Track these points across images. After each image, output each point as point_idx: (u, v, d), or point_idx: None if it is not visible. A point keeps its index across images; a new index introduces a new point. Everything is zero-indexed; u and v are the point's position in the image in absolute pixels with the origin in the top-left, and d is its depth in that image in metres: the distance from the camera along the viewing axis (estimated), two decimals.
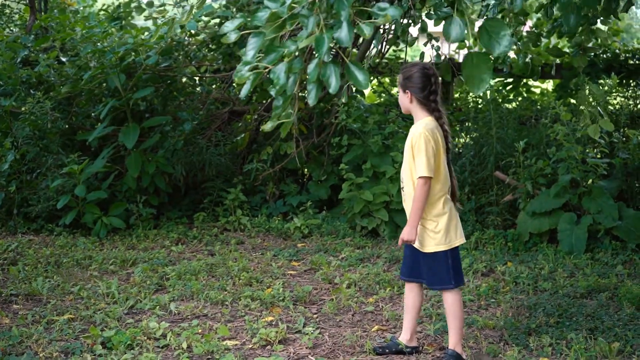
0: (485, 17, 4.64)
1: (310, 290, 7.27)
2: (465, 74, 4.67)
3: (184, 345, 5.80)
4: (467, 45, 6.91)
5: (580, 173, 8.91)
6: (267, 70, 5.05)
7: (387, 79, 13.01)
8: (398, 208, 9.29)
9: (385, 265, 8.23)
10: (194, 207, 10.64)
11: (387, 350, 5.73)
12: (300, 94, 6.30)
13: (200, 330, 6.17)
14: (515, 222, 9.19)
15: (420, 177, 5.38)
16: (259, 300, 6.94)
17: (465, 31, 4.64)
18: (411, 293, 5.76)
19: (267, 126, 5.46)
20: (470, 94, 12.57)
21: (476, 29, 5.29)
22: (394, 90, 12.48)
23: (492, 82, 12.56)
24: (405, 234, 5.44)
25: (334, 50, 5.96)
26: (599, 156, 9.44)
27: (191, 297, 7.16)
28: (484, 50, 5.35)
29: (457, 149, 10.51)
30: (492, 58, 5.38)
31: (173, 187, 10.55)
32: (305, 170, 11.19)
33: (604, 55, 12.34)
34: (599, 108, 9.37)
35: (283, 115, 5.30)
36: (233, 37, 5.33)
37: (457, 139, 11.23)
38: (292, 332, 6.21)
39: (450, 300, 5.57)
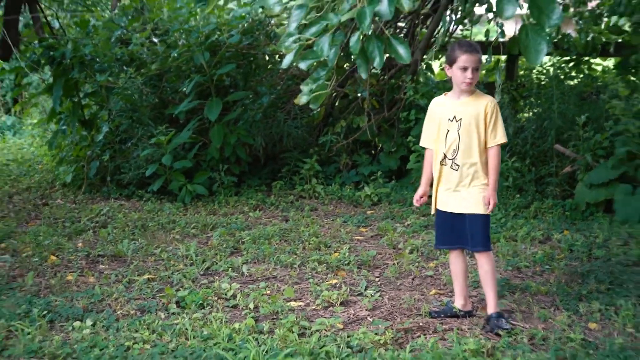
0: None
1: (375, 254, 7.14)
2: (522, 46, 4.47)
3: (251, 306, 5.71)
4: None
5: (637, 146, 8.58)
6: (310, 42, 4.87)
7: None
8: None
9: None
10: (273, 175, 10.59)
11: (442, 315, 5.56)
12: (373, 71, 6.10)
13: (268, 292, 6.08)
14: (574, 193, 8.91)
15: (499, 144, 5.26)
16: (326, 264, 6.82)
17: (518, 8, 4.40)
18: (458, 259, 5.57)
19: (302, 99, 5.25)
20: (534, 70, 12.27)
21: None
22: None
23: (554, 59, 12.25)
24: (493, 198, 5.27)
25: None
26: None
27: (263, 260, 7.07)
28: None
29: (519, 123, 10.26)
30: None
31: (253, 157, 10.53)
32: (377, 142, 11.04)
33: None
34: None
35: (319, 87, 5.09)
36: (277, 9, 5.18)
37: (520, 114, 11.01)
38: (354, 295, 6.07)
39: (489, 262, 5.35)
